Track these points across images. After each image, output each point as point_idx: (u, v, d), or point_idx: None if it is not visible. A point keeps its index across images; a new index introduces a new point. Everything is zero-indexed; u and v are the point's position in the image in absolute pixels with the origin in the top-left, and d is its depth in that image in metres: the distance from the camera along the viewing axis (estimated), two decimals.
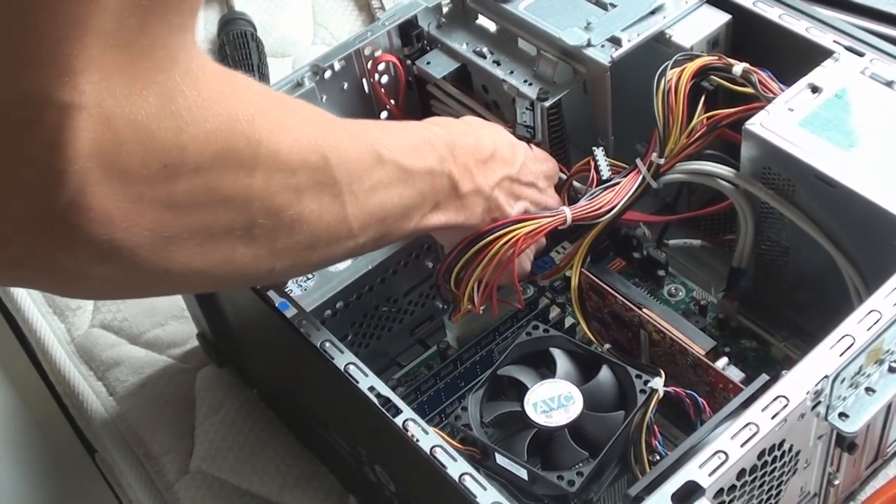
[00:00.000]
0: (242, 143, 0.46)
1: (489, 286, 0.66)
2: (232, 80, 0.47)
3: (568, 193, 0.74)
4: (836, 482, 0.64)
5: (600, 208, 0.68)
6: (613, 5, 0.76)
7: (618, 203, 0.68)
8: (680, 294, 0.79)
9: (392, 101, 0.82)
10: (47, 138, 0.39)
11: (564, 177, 0.74)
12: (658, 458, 0.62)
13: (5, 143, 0.39)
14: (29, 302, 0.95)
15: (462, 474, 0.55)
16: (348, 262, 0.74)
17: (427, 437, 0.57)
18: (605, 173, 0.70)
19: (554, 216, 0.67)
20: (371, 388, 0.59)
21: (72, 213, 0.40)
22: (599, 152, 0.72)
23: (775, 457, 0.55)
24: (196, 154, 0.44)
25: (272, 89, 0.53)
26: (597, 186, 0.71)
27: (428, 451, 0.56)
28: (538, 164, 0.71)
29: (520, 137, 0.72)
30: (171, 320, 0.91)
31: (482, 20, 0.82)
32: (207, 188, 0.45)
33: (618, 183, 0.69)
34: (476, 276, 0.65)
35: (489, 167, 0.65)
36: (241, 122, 0.46)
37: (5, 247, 0.41)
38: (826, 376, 0.54)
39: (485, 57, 0.79)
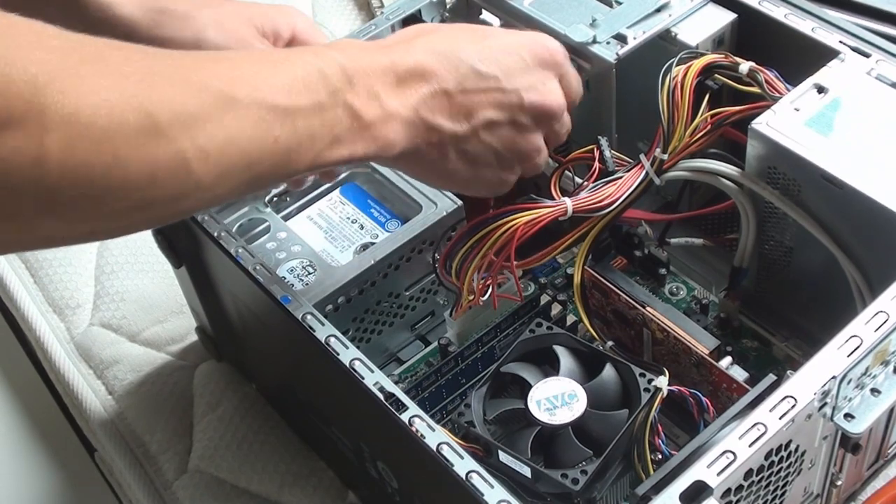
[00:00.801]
0: (20, 106, 0.41)
1: (490, 275, 0.66)
2: (13, 31, 0.42)
3: (559, 182, 0.73)
4: (839, 483, 0.64)
5: (601, 201, 0.68)
6: (619, 2, 0.75)
7: (620, 197, 0.68)
8: (681, 293, 0.79)
9: None
10: None
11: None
12: (661, 457, 0.62)
13: None
14: (28, 301, 0.95)
15: (469, 472, 0.54)
16: (350, 257, 0.74)
17: (433, 434, 0.56)
18: (611, 165, 0.70)
19: (554, 206, 0.66)
20: (377, 384, 0.59)
21: None
22: (605, 143, 0.71)
23: (782, 457, 0.55)
24: None
25: (85, 38, 0.46)
26: (598, 177, 0.70)
27: (434, 448, 0.56)
28: (526, 82, 0.62)
29: None
30: (170, 316, 0.91)
31: (486, 15, 0.82)
32: None
33: (620, 177, 0.69)
34: (475, 265, 0.65)
35: (409, 86, 0.58)
36: (17, 82, 0.41)
37: None
38: (833, 377, 0.54)
39: None
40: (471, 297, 0.68)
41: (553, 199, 0.69)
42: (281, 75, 0.53)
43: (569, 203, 0.67)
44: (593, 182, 0.70)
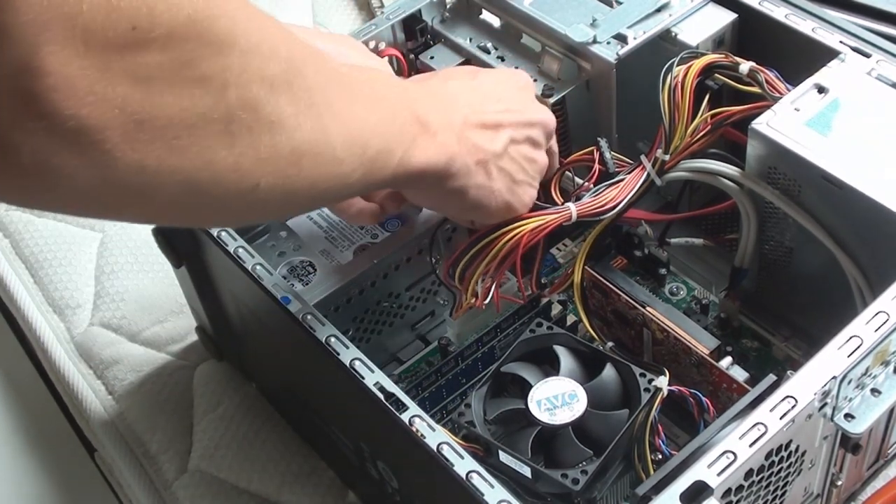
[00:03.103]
0: (220, 15, 0.40)
1: (493, 281, 0.66)
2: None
3: (560, 183, 0.73)
4: (839, 483, 0.64)
5: (605, 205, 0.68)
6: (619, 2, 0.75)
7: (622, 200, 0.68)
8: (681, 293, 0.79)
9: None
10: None
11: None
12: (661, 457, 0.62)
13: None
14: (28, 301, 0.95)
15: (469, 472, 0.54)
16: (350, 257, 0.74)
17: (434, 434, 0.56)
18: (611, 166, 0.70)
19: (559, 213, 0.66)
20: (377, 384, 0.59)
21: (25, 78, 0.34)
22: (604, 145, 0.71)
23: (782, 457, 0.55)
24: (168, 17, 0.38)
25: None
26: (599, 178, 0.70)
27: (435, 448, 0.56)
28: (525, 104, 0.66)
29: None
30: (170, 316, 0.91)
31: (486, 15, 0.82)
32: (181, 62, 0.39)
33: (622, 179, 0.69)
34: (480, 271, 0.65)
35: (448, 107, 0.60)
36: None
37: None
38: (834, 377, 0.54)
39: (489, 52, 0.78)
40: (473, 300, 0.68)
41: (554, 201, 0.69)
42: (355, 72, 0.55)
43: (573, 208, 0.67)
44: (594, 183, 0.70)
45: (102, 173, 0.39)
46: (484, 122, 0.62)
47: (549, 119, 0.67)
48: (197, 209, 0.47)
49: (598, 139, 0.72)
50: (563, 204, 0.68)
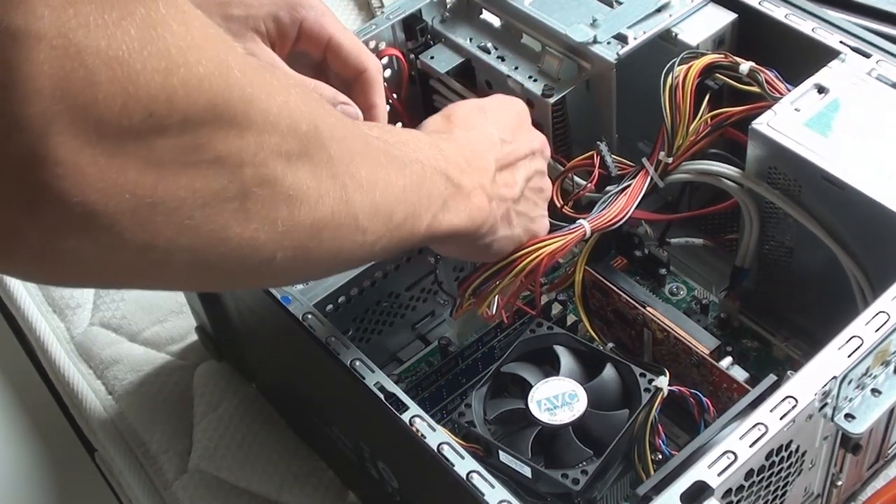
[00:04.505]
0: (237, 95, 0.40)
1: (509, 300, 0.66)
2: (216, 27, 0.40)
3: (562, 187, 0.73)
4: (839, 483, 0.64)
5: (616, 216, 0.68)
6: (619, 2, 0.75)
7: (631, 207, 0.68)
8: (681, 293, 0.79)
9: (395, 95, 0.82)
10: None
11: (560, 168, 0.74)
12: (661, 457, 0.62)
13: None
14: (28, 300, 0.95)
15: (470, 472, 0.54)
16: None
17: (434, 434, 0.56)
18: (613, 170, 0.70)
19: (574, 231, 0.66)
20: (377, 384, 0.59)
21: (34, 167, 0.34)
22: (605, 148, 0.71)
23: (782, 457, 0.55)
24: (186, 103, 0.37)
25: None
26: (599, 181, 0.70)
27: (435, 448, 0.56)
28: (525, 132, 0.66)
29: None
30: (170, 316, 0.91)
31: (486, 15, 0.81)
32: (195, 145, 0.38)
33: (628, 186, 0.69)
34: (496, 291, 0.65)
35: (471, 166, 0.59)
36: (235, 70, 0.39)
37: None
38: (834, 377, 0.54)
39: (489, 52, 0.78)
40: (485, 312, 0.67)
41: (556, 204, 0.69)
42: (385, 132, 0.55)
43: (587, 226, 0.67)
44: (595, 185, 0.70)
45: (111, 254, 0.38)
46: (502, 165, 0.62)
47: (545, 141, 0.67)
48: (208, 280, 0.47)
49: (598, 142, 0.72)
50: (575, 221, 0.68)
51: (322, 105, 0.48)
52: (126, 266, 0.40)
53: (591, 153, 0.72)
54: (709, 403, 0.64)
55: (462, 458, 0.55)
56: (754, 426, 0.53)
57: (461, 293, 0.66)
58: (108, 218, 0.36)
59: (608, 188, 0.70)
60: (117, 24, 0.34)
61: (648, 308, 0.71)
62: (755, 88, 0.69)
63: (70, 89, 0.34)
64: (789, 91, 0.67)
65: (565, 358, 0.65)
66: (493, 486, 0.54)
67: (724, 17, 0.74)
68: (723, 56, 0.70)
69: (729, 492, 0.53)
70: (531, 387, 0.63)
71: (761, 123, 0.66)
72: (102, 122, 0.35)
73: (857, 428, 0.57)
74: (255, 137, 0.41)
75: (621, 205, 0.68)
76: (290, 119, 0.43)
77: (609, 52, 0.72)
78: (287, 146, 0.43)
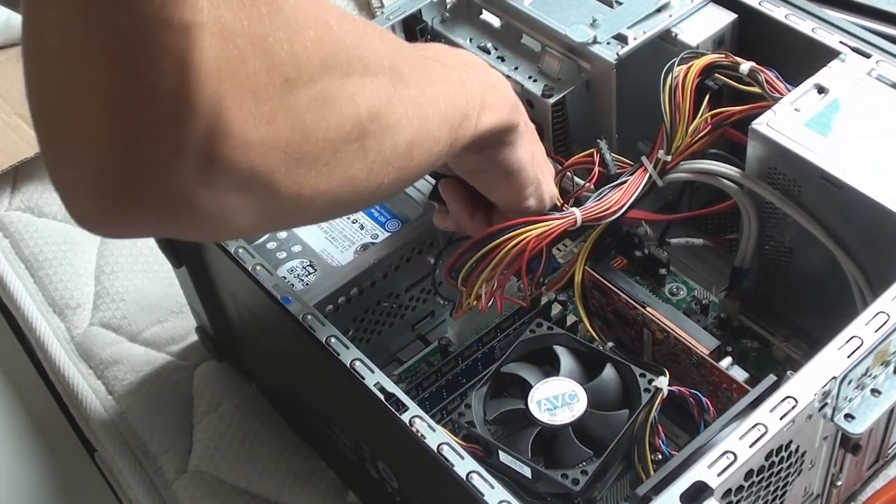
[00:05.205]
0: (340, 48, 0.45)
1: (497, 286, 0.66)
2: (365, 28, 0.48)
3: (561, 185, 0.73)
4: (839, 483, 0.64)
5: (609, 209, 0.67)
6: (619, 2, 0.75)
7: (626, 203, 0.68)
8: (681, 293, 0.79)
9: None
10: (173, 65, 0.36)
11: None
12: (661, 457, 0.62)
13: (129, 77, 0.36)
14: (28, 301, 0.95)
15: (469, 472, 0.54)
16: (350, 257, 0.74)
17: (434, 435, 0.56)
18: (612, 168, 0.70)
19: (564, 218, 0.66)
20: (377, 384, 0.59)
21: (212, 144, 0.38)
22: (604, 146, 0.71)
23: (782, 457, 0.55)
24: (307, 63, 0.42)
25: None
26: (599, 180, 0.70)
27: (435, 449, 0.56)
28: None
29: None
30: (170, 316, 0.91)
31: (486, 15, 0.81)
32: (322, 98, 0.44)
33: (625, 182, 0.69)
34: (484, 276, 0.65)
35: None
36: (334, 26, 0.44)
37: (141, 194, 0.39)
38: (834, 377, 0.54)
39: (489, 52, 0.78)
40: (475, 303, 0.67)
41: (555, 203, 0.69)
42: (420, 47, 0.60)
43: (578, 213, 0.67)
44: (594, 184, 0.70)
45: (268, 208, 0.44)
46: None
47: None
48: (336, 214, 0.55)
49: (598, 140, 0.72)
50: (567, 209, 0.68)
51: (388, 34, 0.52)
52: (277, 215, 0.46)
53: (590, 151, 0.72)
54: (709, 403, 0.64)
55: (462, 458, 0.55)
56: (754, 426, 0.53)
57: (447, 278, 0.66)
58: (269, 176, 0.42)
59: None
60: (251, 5, 0.39)
61: (648, 308, 0.71)
62: (755, 88, 0.69)
63: (230, 69, 0.38)
64: (789, 91, 0.67)
65: (565, 358, 0.65)
66: (492, 487, 0.54)
67: (724, 18, 0.74)
68: (723, 56, 0.70)
69: (729, 492, 0.53)
70: (531, 387, 0.63)
71: (761, 123, 0.66)
72: (256, 93, 0.39)
73: (856, 428, 0.57)
74: (359, 80, 0.46)
75: (616, 198, 0.68)
76: (377, 56, 0.48)
77: (609, 53, 0.72)
78: (380, 81, 0.48)
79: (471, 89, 0.58)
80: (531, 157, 0.64)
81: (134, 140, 0.38)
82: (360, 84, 0.46)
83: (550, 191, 0.68)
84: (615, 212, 0.68)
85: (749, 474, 0.53)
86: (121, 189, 0.39)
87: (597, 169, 0.71)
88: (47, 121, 0.39)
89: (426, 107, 0.52)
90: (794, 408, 0.53)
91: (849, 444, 0.60)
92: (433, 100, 0.53)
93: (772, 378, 0.60)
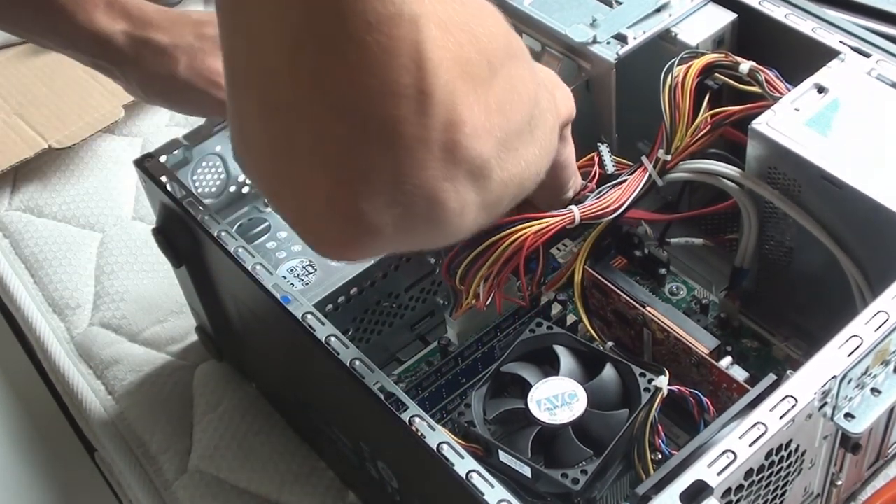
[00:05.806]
0: (509, 34, 0.46)
1: (495, 283, 0.66)
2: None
3: None
4: (839, 482, 0.64)
5: (608, 207, 0.68)
6: (619, 2, 0.76)
7: (625, 201, 0.68)
8: (681, 293, 0.79)
9: None
10: (409, 58, 0.37)
11: None
12: (661, 456, 0.62)
13: (369, 75, 0.36)
14: (28, 301, 0.95)
15: (469, 471, 0.54)
16: None
17: (434, 434, 0.56)
18: (610, 168, 0.70)
19: (562, 215, 0.66)
20: (377, 384, 0.59)
21: (452, 134, 0.39)
22: (604, 148, 0.71)
23: (782, 457, 0.55)
24: (497, 48, 0.43)
25: None
26: (599, 181, 0.70)
27: (435, 448, 0.56)
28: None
29: None
30: (170, 316, 0.91)
31: None
32: (511, 82, 0.44)
33: (624, 181, 0.69)
34: (482, 273, 0.65)
35: None
36: (496, 14, 0.45)
37: (391, 198, 0.39)
38: (834, 377, 0.54)
39: None
40: (474, 301, 0.67)
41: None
42: None
43: (576, 211, 0.67)
44: (595, 184, 0.70)
45: (483, 199, 0.44)
46: None
47: None
48: (507, 208, 0.51)
49: (598, 143, 0.72)
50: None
51: (499, 15, 0.52)
52: (486, 208, 0.45)
53: (591, 155, 0.72)
54: (708, 403, 0.64)
55: (462, 457, 0.55)
56: (754, 426, 0.53)
57: (445, 275, 0.66)
58: (490, 163, 0.42)
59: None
60: None
61: (648, 308, 0.71)
62: (755, 88, 0.69)
63: (453, 57, 0.38)
64: (789, 91, 0.67)
65: (565, 358, 0.65)
66: (492, 486, 0.54)
67: (723, 17, 0.74)
68: (723, 56, 0.70)
69: (728, 491, 0.53)
70: (531, 386, 0.63)
71: (761, 123, 0.66)
72: (475, 79, 0.40)
73: (856, 427, 0.57)
74: (523, 64, 0.47)
75: (615, 196, 0.68)
76: (510, 38, 0.47)
77: (609, 52, 0.72)
78: (527, 65, 0.49)
79: (544, 81, 0.58)
80: (572, 148, 0.65)
81: (378, 140, 0.38)
82: (524, 68, 0.47)
83: (579, 181, 0.68)
84: (614, 210, 0.68)
85: (749, 473, 0.53)
86: (371, 197, 0.39)
87: (596, 169, 0.71)
88: (279, 147, 0.39)
89: (542, 90, 0.52)
90: (793, 407, 0.53)
91: (849, 443, 0.60)
92: (535, 73, 0.53)
93: (772, 377, 0.60)
